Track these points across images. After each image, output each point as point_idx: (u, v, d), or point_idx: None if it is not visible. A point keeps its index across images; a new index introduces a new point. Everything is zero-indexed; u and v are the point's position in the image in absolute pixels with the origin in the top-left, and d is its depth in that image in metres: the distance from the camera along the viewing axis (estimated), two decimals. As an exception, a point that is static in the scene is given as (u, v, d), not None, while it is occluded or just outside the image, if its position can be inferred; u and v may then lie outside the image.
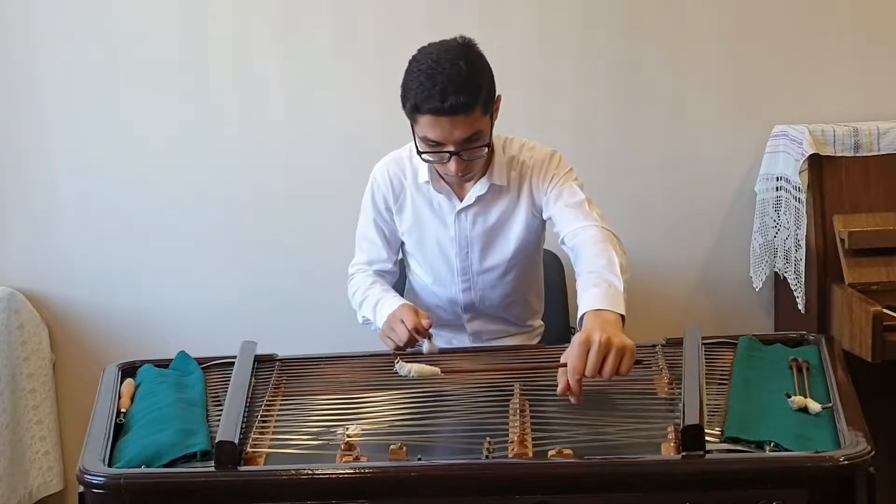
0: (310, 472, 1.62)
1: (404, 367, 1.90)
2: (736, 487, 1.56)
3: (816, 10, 3.01)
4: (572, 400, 1.78)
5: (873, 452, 1.57)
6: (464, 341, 2.46)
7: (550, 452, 1.64)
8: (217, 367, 2.11)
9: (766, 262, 3.02)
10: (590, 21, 3.02)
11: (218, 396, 1.96)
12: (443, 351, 2.19)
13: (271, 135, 3.09)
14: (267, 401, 1.93)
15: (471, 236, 2.34)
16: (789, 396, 1.78)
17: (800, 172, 2.82)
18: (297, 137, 3.09)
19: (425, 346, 2.12)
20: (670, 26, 3.03)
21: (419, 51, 2.16)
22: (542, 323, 2.57)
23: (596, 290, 1.94)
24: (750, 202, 3.07)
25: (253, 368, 2.03)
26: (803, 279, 2.88)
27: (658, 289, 3.13)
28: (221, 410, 1.82)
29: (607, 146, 3.08)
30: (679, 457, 1.61)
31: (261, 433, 1.79)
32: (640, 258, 2.91)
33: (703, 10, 3.02)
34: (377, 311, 2.27)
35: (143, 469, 1.66)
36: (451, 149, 2.13)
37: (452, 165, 2.15)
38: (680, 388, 1.81)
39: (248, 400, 1.89)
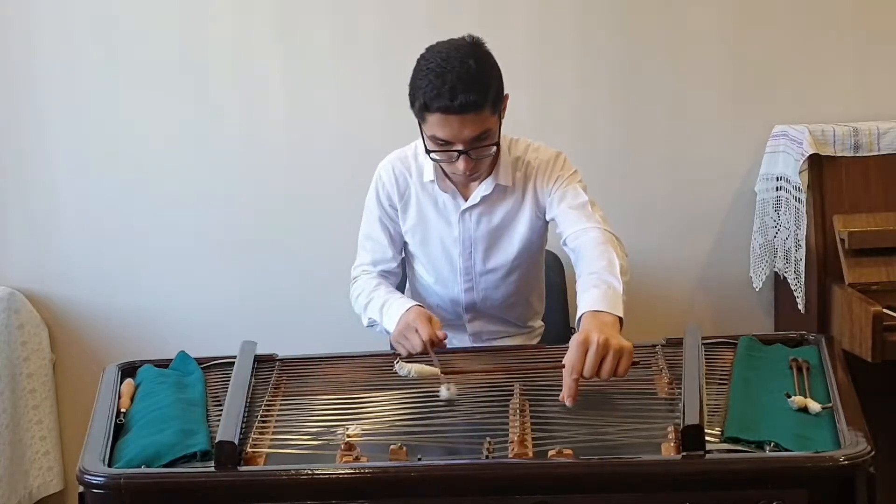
0: (310, 472, 1.62)
1: (404, 368, 1.90)
2: (736, 487, 1.56)
3: (816, 10, 3.01)
4: (568, 402, 1.78)
5: (873, 452, 1.57)
6: (464, 341, 2.46)
7: (550, 452, 1.63)
8: (217, 367, 2.11)
9: (766, 262, 3.02)
10: (590, 21, 3.02)
11: (218, 396, 1.95)
12: (443, 351, 2.18)
13: (271, 135, 3.09)
14: (267, 401, 1.93)
15: (475, 236, 2.34)
16: (789, 396, 1.78)
17: (800, 172, 2.82)
18: (297, 137, 3.09)
19: (443, 393, 1.91)
20: (670, 26, 3.03)
21: (427, 49, 2.16)
22: (542, 323, 2.57)
23: (595, 292, 1.94)
24: (750, 202, 3.07)
25: (253, 368, 2.03)
26: (803, 279, 2.88)
27: (658, 289, 3.13)
28: (221, 410, 1.82)
29: (607, 146, 3.08)
30: (679, 457, 1.61)
31: (261, 433, 1.79)
32: (640, 258, 2.91)
33: (703, 10, 3.02)
34: (384, 312, 2.26)
35: (143, 469, 1.66)
36: (460, 148, 2.12)
37: (461, 164, 2.15)
38: (680, 388, 1.80)
39: (248, 400, 1.89)
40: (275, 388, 1.99)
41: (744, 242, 3.08)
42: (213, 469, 1.64)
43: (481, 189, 2.30)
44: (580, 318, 1.92)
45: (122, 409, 1.92)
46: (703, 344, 2.00)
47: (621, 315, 1.91)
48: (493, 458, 1.65)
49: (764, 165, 3.01)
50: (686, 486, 1.57)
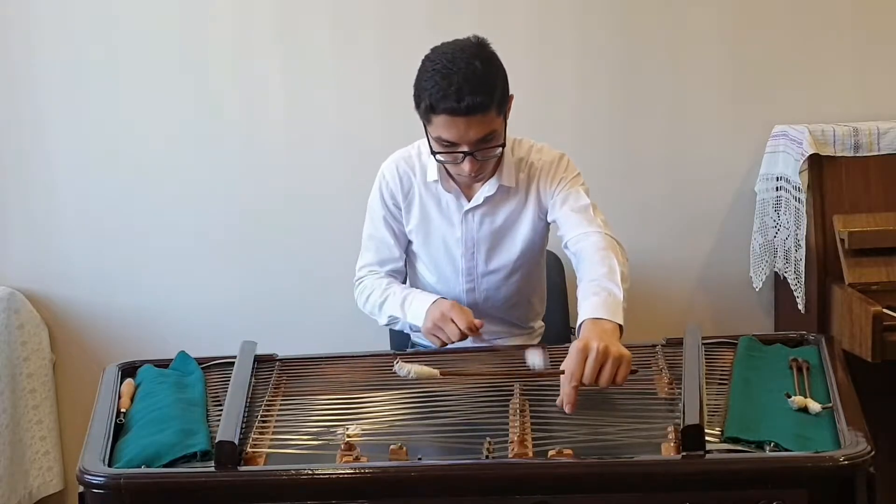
0: (310, 472, 1.62)
1: (403, 368, 1.89)
2: (736, 487, 1.56)
3: (816, 10, 3.01)
4: (567, 409, 1.78)
5: (873, 452, 1.57)
6: (463, 341, 2.45)
7: (550, 452, 1.64)
8: (217, 367, 2.11)
9: (766, 262, 3.02)
10: (590, 21, 3.02)
11: (218, 396, 1.95)
12: (443, 351, 2.19)
13: (271, 135, 3.09)
14: (267, 401, 1.93)
15: (477, 237, 2.34)
16: (789, 396, 1.78)
17: (800, 172, 2.82)
18: (297, 137, 3.09)
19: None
20: (670, 26, 3.03)
21: (432, 50, 2.15)
22: (542, 324, 2.57)
23: (596, 299, 1.94)
24: (750, 202, 3.07)
25: (253, 368, 2.03)
26: (803, 279, 2.88)
27: (658, 289, 3.14)
28: (221, 410, 1.82)
29: (607, 146, 3.08)
30: (679, 457, 1.61)
31: (261, 433, 1.79)
32: (640, 258, 2.91)
33: (703, 10, 3.02)
34: (406, 308, 2.26)
35: (143, 469, 1.66)
36: (466, 149, 2.12)
37: (466, 166, 2.15)
38: (680, 388, 1.81)
39: (248, 400, 1.89)
40: (275, 388, 1.99)
41: (744, 242, 3.08)
42: (213, 469, 1.64)
43: (485, 190, 2.29)
44: (580, 325, 1.92)
45: (122, 409, 1.92)
46: (703, 344, 2.01)
47: (621, 323, 1.91)
48: (493, 458, 1.65)
49: (764, 165, 3.01)
50: (686, 486, 1.57)
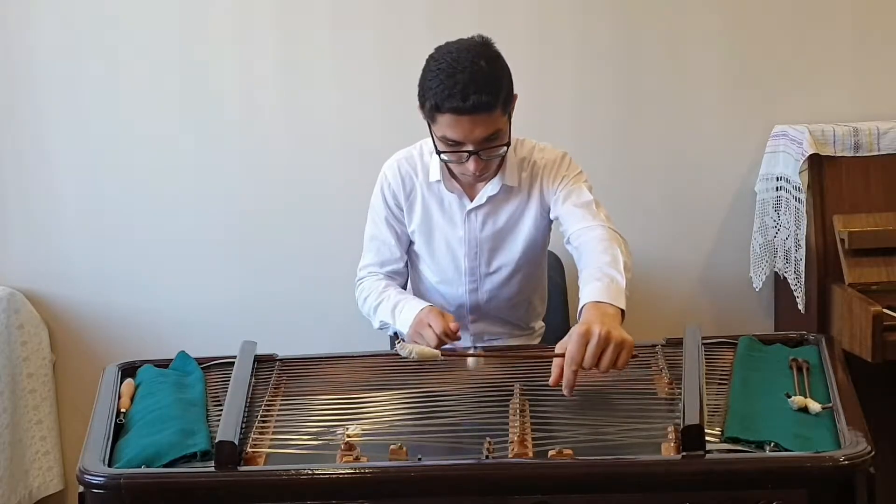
0: (310, 472, 1.62)
1: (406, 349, 1.89)
2: (736, 487, 1.57)
3: (816, 10, 3.01)
4: (565, 392, 1.78)
5: (873, 452, 1.57)
6: (465, 341, 2.45)
7: (550, 452, 1.63)
8: (217, 367, 2.11)
9: (766, 262, 3.02)
10: (590, 21, 3.02)
11: (218, 396, 1.95)
12: (443, 351, 2.18)
13: (271, 135, 3.09)
14: (267, 401, 1.93)
15: (480, 237, 2.34)
16: (789, 396, 1.78)
17: (800, 172, 2.82)
18: (296, 137, 3.09)
19: (471, 363, 2.11)
20: (670, 26, 3.03)
21: (437, 49, 2.15)
22: (542, 324, 2.57)
23: (598, 284, 1.94)
24: (750, 202, 3.06)
25: (253, 368, 2.03)
26: (803, 279, 2.88)
27: (658, 289, 3.13)
28: (221, 410, 1.82)
29: (607, 146, 3.08)
30: (679, 457, 1.61)
31: (261, 433, 1.79)
32: (640, 258, 2.89)
33: (704, 9, 3.02)
34: (397, 315, 2.25)
35: (143, 469, 1.66)
36: (471, 148, 2.12)
37: (471, 165, 2.15)
38: (680, 388, 1.81)
39: (248, 400, 1.89)
40: (275, 388, 2.00)
41: (744, 242, 3.08)
42: (213, 469, 1.64)
43: (487, 189, 2.29)
44: (581, 308, 1.91)
45: (122, 409, 1.92)
46: (703, 344, 2.00)
47: (623, 307, 1.90)
48: (493, 458, 1.64)
49: (764, 165, 3.01)
50: (686, 486, 1.57)
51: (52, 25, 3.02)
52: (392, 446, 1.66)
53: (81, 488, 1.65)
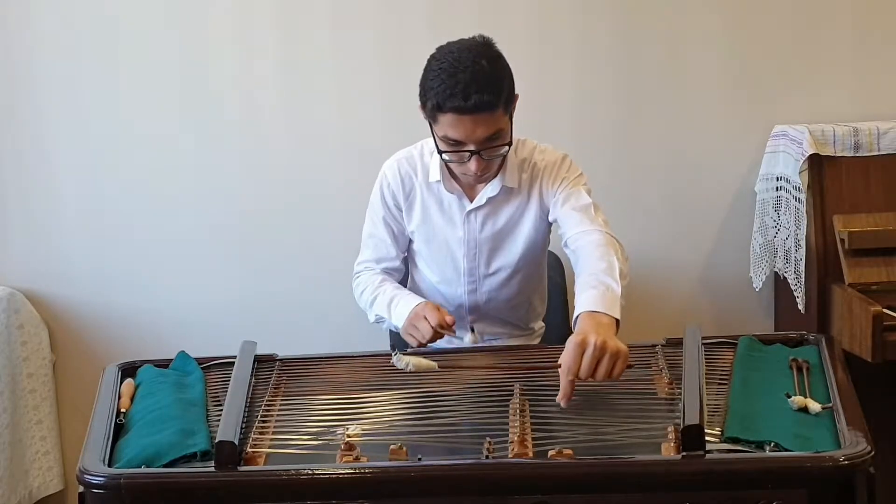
0: (310, 472, 1.62)
1: (402, 361, 1.89)
2: (736, 487, 1.57)
3: (816, 10, 3.01)
4: (561, 403, 1.78)
5: (873, 452, 1.57)
6: (465, 342, 2.45)
7: (550, 452, 1.64)
8: (217, 367, 2.11)
9: (766, 262, 3.02)
10: (590, 21, 3.02)
11: (218, 396, 1.95)
12: (443, 350, 2.19)
13: (271, 135, 3.09)
14: (267, 401, 1.93)
15: (480, 238, 2.34)
16: (789, 396, 1.78)
17: (800, 172, 2.82)
18: (296, 137, 3.09)
19: (467, 338, 2.23)
20: (670, 26, 3.03)
21: (438, 49, 2.15)
22: (542, 324, 2.57)
23: (593, 292, 1.94)
24: (750, 202, 3.06)
25: (253, 368, 2.03)
26: (803, 279, 2.88)
27: (658, 289, 3.13)
28: (221, 410, 1.82)
29: (607, 146, 3.08)
30: (679, 457, 1.61)
31: (261, 433, 1.79)
32: (640, 258, 2.91)
33: (704, 9, 3.02)
34: (392, 309, 2.27)
35: (143, 469, 1.66)
36: (472, 148, 2.12)
37: (473, 165, 2.15)
38: (680, 388, 1.81)
39: (248, 400, 1.89)
40: (275, 388, 2.00)
41: (744, 242, 3.08)
42: (213, 469, 1.64)
43: (487, 190, 2.29)
44: (577, 317, 1.92)
45: (122, 409, 1.92)
46: (703, 344, 2.00)
47: (618, 317, 1.91)
48: (493, 458, 1.65)
49: (764, 165, 3.01)
50: (686, 486, 1.57)
51: (52, 25, 3.02)
52: (392, 446, 1.66)
53: (81, 488, 1.65)
